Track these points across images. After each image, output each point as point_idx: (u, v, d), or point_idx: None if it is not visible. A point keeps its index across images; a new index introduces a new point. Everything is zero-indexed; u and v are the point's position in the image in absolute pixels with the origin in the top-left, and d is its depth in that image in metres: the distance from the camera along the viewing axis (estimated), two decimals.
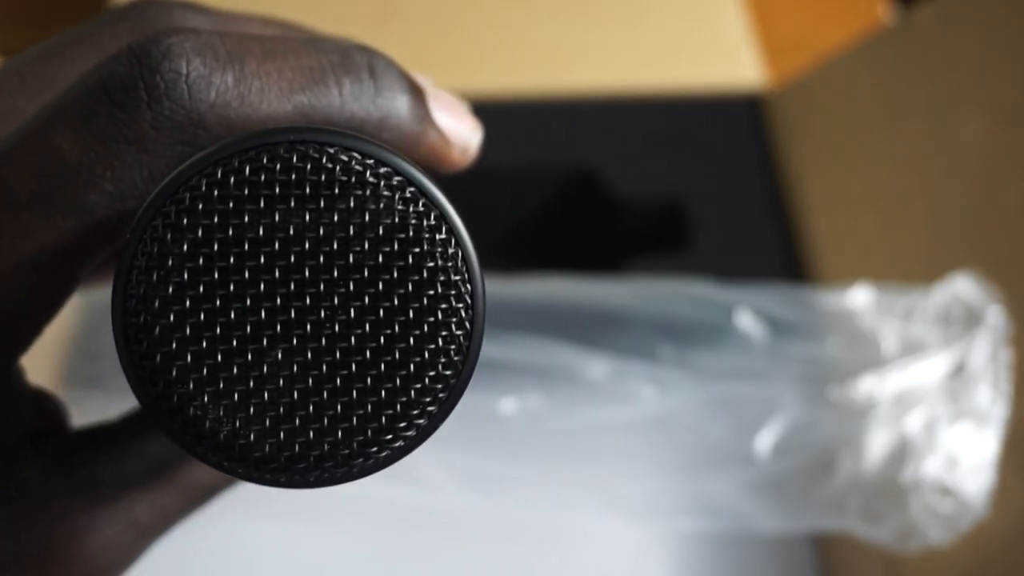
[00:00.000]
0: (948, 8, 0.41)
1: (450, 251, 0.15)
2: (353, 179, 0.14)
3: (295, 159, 0.14)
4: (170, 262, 0.14)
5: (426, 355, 0.15)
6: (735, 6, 0.59)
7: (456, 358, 0.15)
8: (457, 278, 0.15)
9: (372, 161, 0.14)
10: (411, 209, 0.14)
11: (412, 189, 0.14)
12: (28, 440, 0.18)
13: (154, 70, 0.15)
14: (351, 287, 0.14)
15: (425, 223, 0.15)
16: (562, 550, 0.40)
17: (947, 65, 0.41)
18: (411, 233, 0.14)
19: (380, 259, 0.14)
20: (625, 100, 0.53)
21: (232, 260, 0.14)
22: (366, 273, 0.14)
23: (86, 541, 0.17)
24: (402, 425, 0.15)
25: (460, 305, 0.15)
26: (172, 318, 0.14)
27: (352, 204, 0.14)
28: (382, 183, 0.14)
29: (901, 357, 0.36)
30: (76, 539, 0.17)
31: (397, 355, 0.14)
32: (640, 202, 0.50)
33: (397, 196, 0.14)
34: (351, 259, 0.14)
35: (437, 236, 0.15)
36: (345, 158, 0.14)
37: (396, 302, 0.14)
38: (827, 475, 0.36)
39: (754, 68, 0.56)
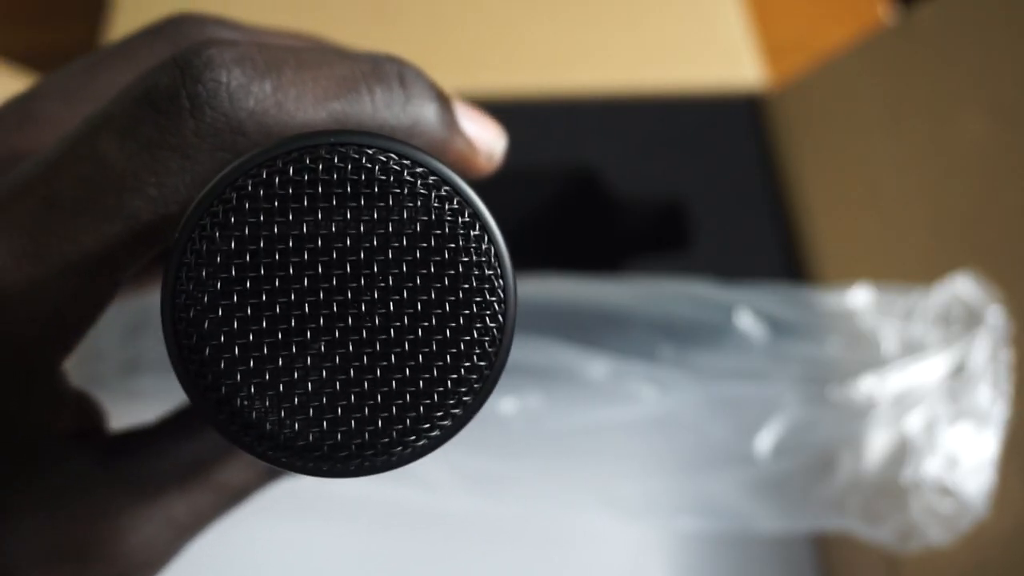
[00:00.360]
0: (948, 8, 0.41)
1: (484, 247, 0.15)
2: (391, 178, 0.15)
3: (336, 160, 0.15)
4: (218, 259, 0.15)
5: (462, 346, 0.15)
6: (735, 6, 0.59)
7: (490, 349, 0.16)
8: (491, 272, 0.16)
9: (408, 162, 0.15)
10: (446, 207, 0.15)
11: (447, 188, 0.15)
12: (70, 439, 0.18)
13: (196, 79, 0.15)
14: (390, 281, 0.15)
15: (460, 220, 0.15)
16: (562, 550, 0.40)
17: (947, 65, 0.41)
18: (447, 230, 0.15)
19: (417, 255, 0.15)
20: (625, 100, 0.53)
21: (277, 256, 0.15)
22: (404, 268, 0.15)
23: (127, 538, 0.18)
24: (439, 414, 0.16)
25: (493, 299, 0.16)
26: (220, 312, 0.15)
27: (391, 202, 0.15)
28: (419, 182, 0.15)
29: (901, 357, 0.36)
30: (118, 535, 0.18)
31: (434, 346, 0.15)
32: (640, 202, 0.50)
33: (433, 194, 0.15)
34: (390, 254, 0.15)
35: (471, 232, 0.15)
36: (383, 159, 0.15)
37: (433, 296, 0.15)
38: (827, 475, 0.36)
39: (754, 68, 0.56)
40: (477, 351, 0.16)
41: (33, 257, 0.16)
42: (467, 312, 0.15)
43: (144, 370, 0.38)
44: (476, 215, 0.15)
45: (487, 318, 0.16)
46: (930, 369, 0.36)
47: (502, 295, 0.16)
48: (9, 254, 0.16)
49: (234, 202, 0.15)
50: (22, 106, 0.19)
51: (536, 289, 0.39)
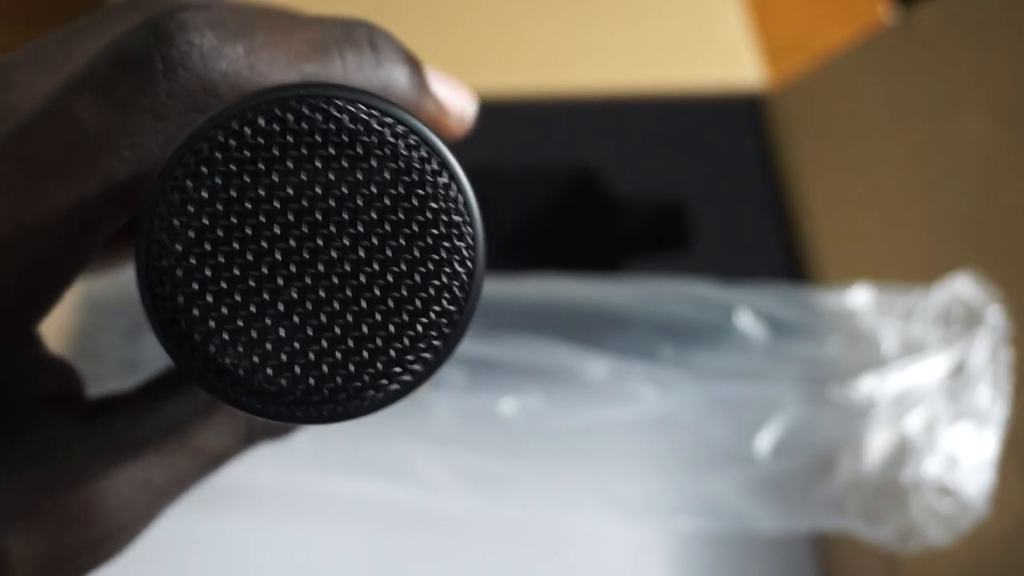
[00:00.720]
0: (948, 8, 0.41)
1: (452, 194, 0.16)
2: (361, 127, 0.15)
3: (306, 110, 0.15)
4: (191, 208, 0.15)
5: (431, 291, 0.16)
6: (735, 6, 0.59)
7: (460, 295, 0.16)
8: (459, 219, 0.16)
9: (378, 112, 0.16)
10: (415, 155, 0.16)
11: (415, 138, 0.16)
12: (49, 403, 0.19)
13: (169, 42, 0.16)
14: (360, 228, 0.15)
15: (428, 168, 0.16)
16: (562, 550, 0.40)
17: (947, 65, 0.41)
18: (416, 177, 0.16)
19: (387, 201, 0.16)
20: (625, 100, 0.53)
21: (249, 205, 0.15)
22: (374, 215, 0.15)
23: (105, 500, 0.18)
24: (410, 358, 0.16)
25: (462, 244, 0.16)
26: (193, 261, 0.15)
27: (361, 151, 0.15)
28: (387, 131, 0.16)
29: (901, 357, 0.36)
30: (96, 497, 0.18)
31: (404, 291, 0.16)
32: (640, 202, 0.50)
33: (402, 143, 0.16)
34: (360, 202, 0.15)
35: (440, 180, 0.16)
36: (353, 109, 0.15)
37: (403, 242, 0.16)
38: (827, 475, 0.36)
39: (754, 68, 0.56)
40: (447, 296, 0.16)
41: (8, 219, 0.16)
42: (436, 257, 0.16)
43: (144, 370, 0.38)
44: (444, 164, 0.16)
45: (456, 263, 0.16)
46: (930, 369, 0.36)
47: (471, 241, 0.16)
48: None
49: (206, 152, 0.15)
50: None
51: (536, 289, 0.39)
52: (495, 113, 0.53)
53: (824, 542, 0.41)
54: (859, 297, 0.38)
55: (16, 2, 0.64)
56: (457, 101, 0.21)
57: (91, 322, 0.40)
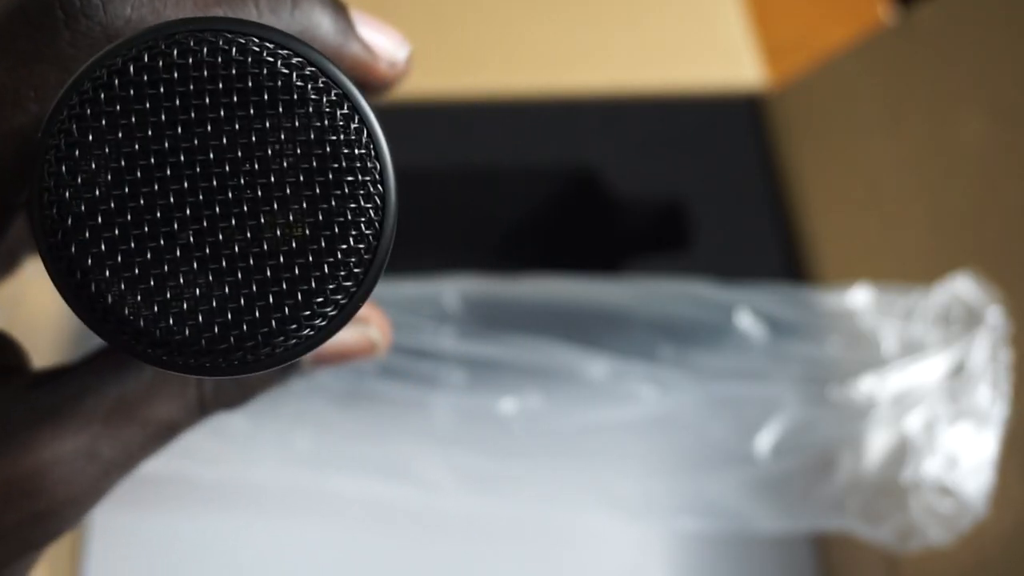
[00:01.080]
0: (948, 8, 0.41)
1: (352, 126, 0.15)
2: (250, 59, 0.15)
3: (193, 44, 0.14)
4: (77, 152, 0.14)
5: (336, 229, 0.15)
6: (735, 6, 0.59)
7: (367, 231, 0.15)
8: (362, 151, 0.15)
9: (271, 44, 0.15)
10: (310, 86, 0.15)
11: (311, 68, 0.15)
12: None
13: None
14: (256, 166, 0.15)
15: (326, 99, 0.15)
16: (562, 550, 0.40)
17: (947, 65, 0.41)
18: (311, 108, 0.15)
19: (283, 136, 0.15)
20: (625, 100, 0.53)
21: (137, 146, 0.14)
22: (269, 151, 0.15)
23: (51, 472, 0.18)
24: (319, 301, 0.15)
25: (367, 178, 0.15)
26: (84, 208, 0.14)
27: (251, 83, 0.15)
28: (279, 63, 0.15)
29: (901, 357, 0.36)
30: (41, 470, 0.18)
31: (307, 231, 0.15)
32: (640, 202, 0.50)
33: (295, 75, 0.15)
34: (254, 138, 0.15)
35: (338, 111, 0.15)
36: (243, 41, 0.15)
37: (302, 178, 0.15)
38: (827, 475, 0.36)
39: (754, 68, 0.56)
40: (353, 233, 0.15)
41: None
42: (339, 193, 0.15)
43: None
44: (345, 95, 0.15)
45: (361, 198, 0.15)
46: (930, 369, 0.36)
47: (377, 176, 0.15)
48: None
49: (91, 93, 0.14)
50: None
51: (536, 289, 0.39)
52: (495, 113, 0.53)
53: (824, 542, 0.41)
54: (859, 297, 0.38)
55: None
56: (386, 44, 0.20)
57: None
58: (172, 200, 0.14)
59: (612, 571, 0.40)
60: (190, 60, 0.14)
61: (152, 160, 0.14)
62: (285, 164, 0.15)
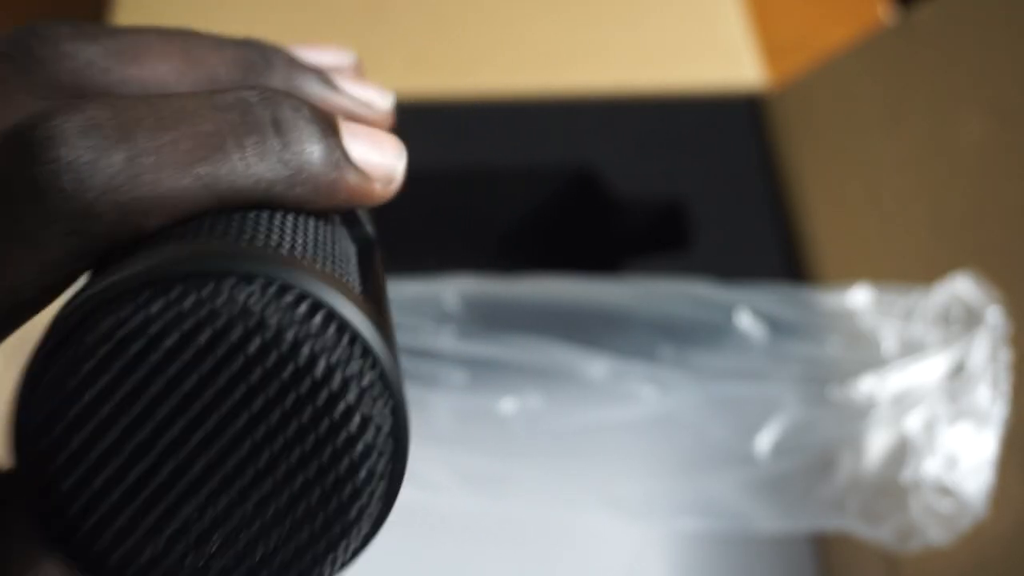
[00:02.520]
0: (948, 8, 0.41)
1: (366, 381, 0.14)
2: (239, 323, 0.13)
3: (169, 325, 0.13)
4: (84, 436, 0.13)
5: (353, 488, 0.14)
6: (735, 6, 0.59)
7: (380, 485, 0.15)
8: (374, 420, 0.15)
9: (256, 289, 0.13)
10: (315, 343, 0.14)
11: (318, 319, 0.14)
12: None
13: (34, 160, 0.14)
14: (259, 436, 0.14)
15: (335, 357, 0.14)
16: (562, 550, 0.40)
17: (947, 65, 0.41)
18: (317, 368, 0.14)
19: (287, 404, 0.14)
20: (625, 100, 0.53)
21: (118, 408, 0.13)
22: (271, 418, 0.14)
23: None
24: (345, 545, 0.15)
25: (378, 441, 0.15)
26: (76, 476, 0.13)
27: (249, 353, 0.13)
28: (271, 317, 0.13)
29: (901, 357, 0.36)
30: None
31: (321, 492, 0.14)
32: (640, 202, 0.50)
33: (292, 331, 0.13)
34: (238, 398, 0.13)
35: (355, 369, 0.14)
36: (227, 308, 0.13)
37: (308, 448, 0.14)
38: (827, 475, 0.36)
39: (754, 68, 0.56)
40: (371, 491, 0.15)
41: None
42: (353, 468, 0.14)
43: None
44: (356, 338, 0.14)
45: (374, 458, 0.15)
46: (930, 369, 0.36)
47: (393, 440, 0.15)
48: None
49: (61, 359, 0.13)
50: None
51: (536, 289, 0.39)
52: (495, 113, 0.53)
53: (824, 542, 0.41)
54: (859, 297, 0.38)
55: (18, 2, 0.63)
56: (382, 163, 0.18)
57: None
58: (166, 474, 0.14)
59: (612, 571, 0.40)
60: (160, 329, 0.13)
61: (140, 424, 0.13)
62: (290, 434, 0.14)
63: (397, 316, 0.37)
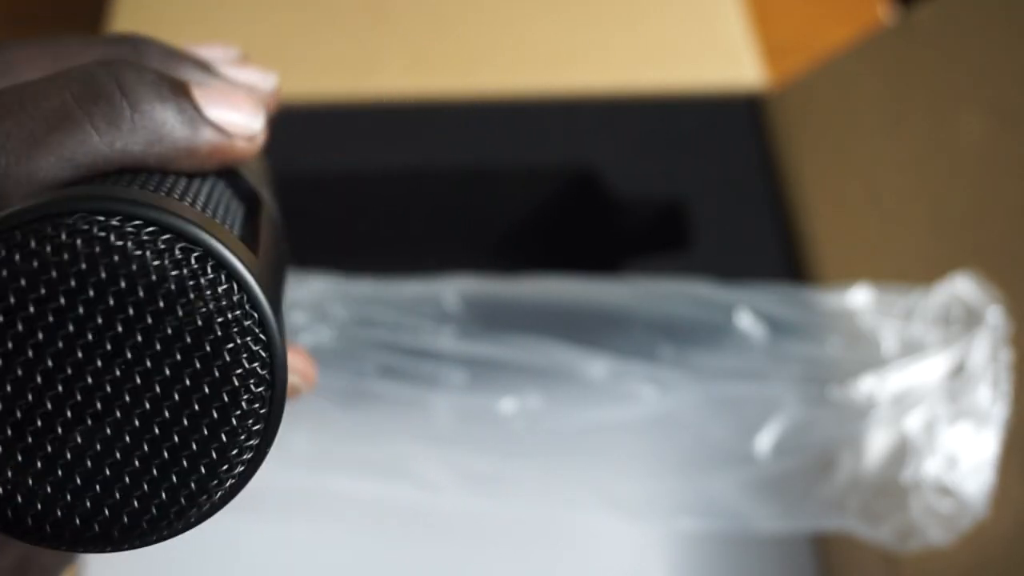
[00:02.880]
0: (948, 8, 0.41)
1: (220, 288, 0.14)
2: (98, 250, 0.14)
3: (33, 246, 0.14)
4: None
5: (226, 398, 0.15)
6: (735, 6, 0.59)
7: (259, 389, 0.15)
8: (236, 312, 0.15)
9: (116, 222, 0.14)
10: (167, 261, 0.14)
11: (165, 237, 0.14)
12: None
13: None
14: (129, 355, 0.14)
15: (186, 270, 0.14)
16: (562, 550, 0.40)
17: (947, 65, 0.41)
18: (174, 285, 0.14)
19: (151, 321, 0.14)
20: (625, 100, 0.53)
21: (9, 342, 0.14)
22: (140, 338, 0.14)
23: None
24: (224, 469, 0.15)
25: (248, 339, 0.15)
26: None
27: (104, 275, 0.14)
28: (129, 244, 0.14)
29: (901, 357, 0.36)
30: None
31: (197, 406, 0.14)
32: (640, 202, 0.50)
33: (149, 253, 0.14)
34: (120, 328, 0.14)
35: (202, 278, 0.14)
36: (86, 229, 0.14)
37: (180, 358, 0.14)
38: (827, 475, 0.36)
39: (754, 68, 0.56)
40: (246, 397, 0.15)
41: None
42: (227, 369, 0.15)
43: None
44: (222, 265, 0.14)
45: (246, 360, 0.15)
46: (930, 369, 0.36)
47: (264, 340, 0.15)
48: None
49: None
50: None
51: (536, 289, 0.39)
52: (495, 113, 0.53)
53: (824, 542, 0.41)
54: (859, 297, 0.38)
55: (17, 2, 0.64)
56: (239, 119, 0.18)
57: None
58: (56, 404, 0.14)
59: (612, 571, 0.40)
60: (34, 266, 0.14)
61: (26, 356, 0.14)
62: (159, 348, 0.14)
63: (397, 317, 0.37)
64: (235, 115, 0.18)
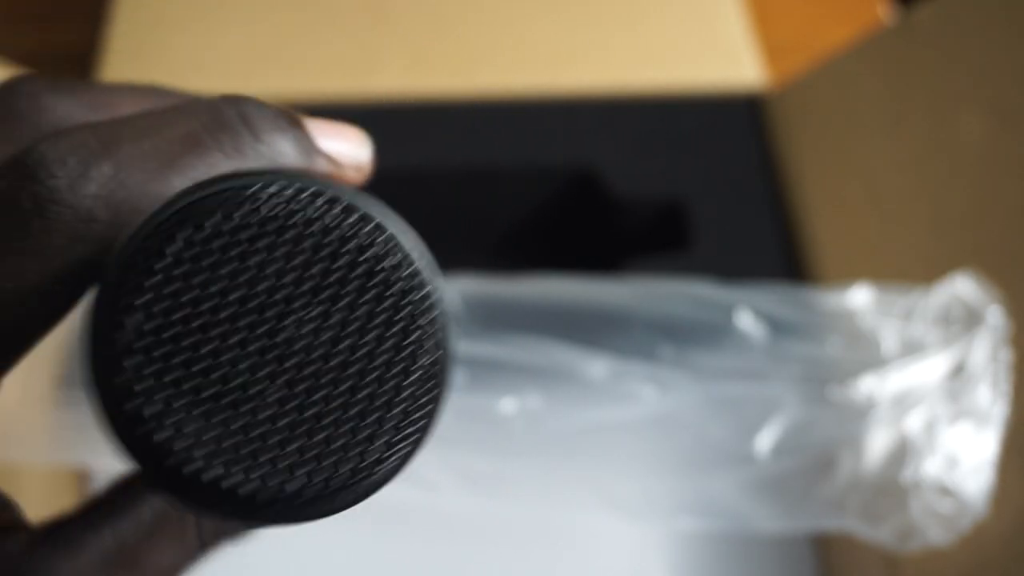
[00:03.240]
0: (948, 8, 0.41)
1: (406, 262, 0.16)
2: (294, 220, 0.15)
3: (221, 213, 0.14)
4: (147, 323, 0.15)
5: (408, 352, 0.16)
6: (735, 6, 0.59)
7: (436, 353, 0.16)
8: (426, 299, 0.16)
9: (307, 193, 0.15)
10: (362, 231, 0.15)
11: (343, 209, 0.15)
12: None
13: (32, 179, 0.16)
14: (319, 313, 0.15)
15: (381, 244, 0.15)
16: (562, 550, 0.40)
17: (947, 65, 0.41)
18: (374, 265, 0.15)
19: (343, 291, 0.15)
20: (625, 100, 0.53)
21: (199, 314, 0.14)
22: (332, 305, 0.15)
23: None
24: (408, 432, 0.16)
25: (433, 328, 0.16)
26: (155, 370, 0.15)
27: (298, 243, 0.15)
28: (322, 214, 0.15)
29: (901, 357, 0.36)
30: None
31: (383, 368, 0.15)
32: (640, 202, 0.50)
33: (345, 223, 0.15)
34: (310, 288, 0.15)
35: (403, 271, 0.15)
36: (290, 193, 0.15)
37: (361, 328, 0.15)
38: (827, 475, 0.36)
39: (754, 68, 0.56)
40: (426, 358, 0.16)
41: None
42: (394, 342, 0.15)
43: None
44: (378, 228, 0.15)
45: (424, 323, 0.16)
46: (930, 369, 0.36)
47: (441, 326, 0.16)
48: None
49: (147, 274, 0.14)
50: None
51: (536, 289, 0.39)
52: (495, 113, 0.53)
53: (824, 542, 0.41)
54: (859, 297, 0.38)
55: (17, 2, 0.64)
56: (349, 151, 0.20)
57: None
58: (241, 363, 0.15)
59: (612, 571, 0.40)
60: (232, 225, 0.15)
61: (221, 324, 0.15)
62: (345, 312, 0.15)
63: None
64: (345, 146, 0.20)
